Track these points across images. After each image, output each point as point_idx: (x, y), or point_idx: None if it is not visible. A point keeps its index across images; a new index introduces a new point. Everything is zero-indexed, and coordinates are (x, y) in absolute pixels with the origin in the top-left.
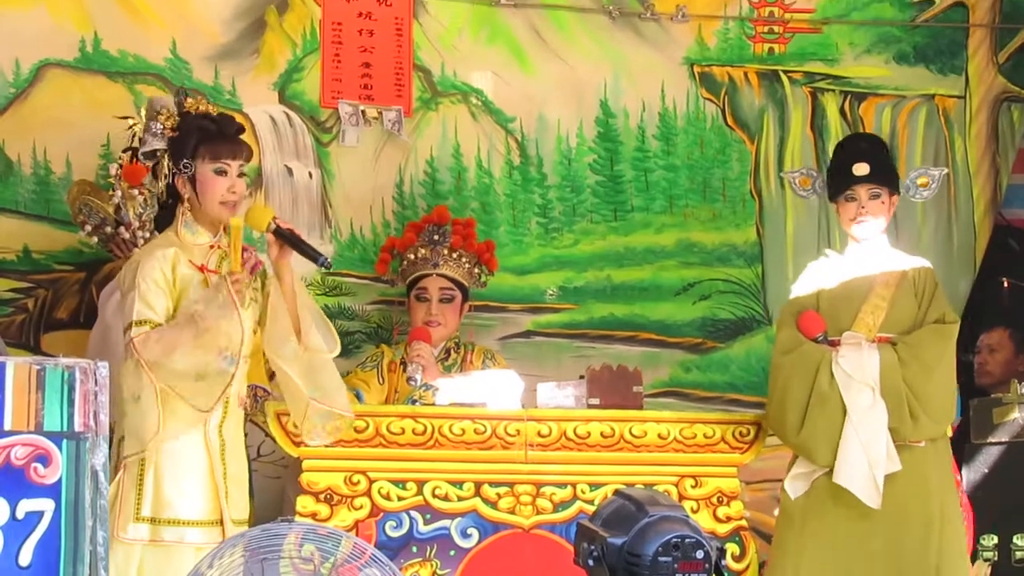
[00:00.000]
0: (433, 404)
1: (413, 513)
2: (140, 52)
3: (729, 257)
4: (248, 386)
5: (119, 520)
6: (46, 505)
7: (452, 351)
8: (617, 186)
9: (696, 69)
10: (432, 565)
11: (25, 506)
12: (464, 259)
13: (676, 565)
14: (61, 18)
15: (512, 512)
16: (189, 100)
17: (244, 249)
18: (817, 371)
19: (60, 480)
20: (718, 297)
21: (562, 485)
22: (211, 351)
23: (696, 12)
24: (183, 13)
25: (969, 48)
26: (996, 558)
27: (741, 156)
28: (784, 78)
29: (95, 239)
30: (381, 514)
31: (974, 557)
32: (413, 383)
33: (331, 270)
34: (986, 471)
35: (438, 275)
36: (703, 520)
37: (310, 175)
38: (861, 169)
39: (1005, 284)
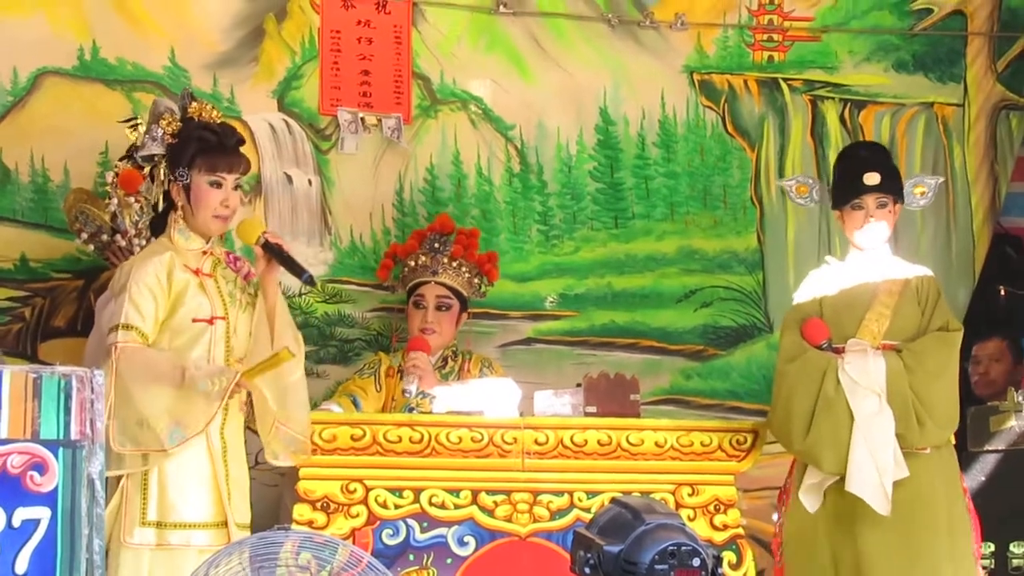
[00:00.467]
0: (430, 412)
1: (410, 521)
2: (139, 60)
3: (730, 264)
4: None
5: (125, 525)
6: (42, 513)
7: (449, 359)
8: (617, 193)
9: (696, 77)
10: (429, 573)
11: (21, 514)
12: (464, 268)
13: (673, 573)
14: (60, 26)
15: (509, 520)
16: (194, 104)
17: (237, 259)
18: (823, 377)
19: (56, 488)
20: (719, 304)
21: (559, 493)
22: (169, 414)
23: (695, 20)
24: (182, 21)
25: (968, 56)
26: (993, 566)
27: (741, 163)
28: (784, 86)
29: (91, 247)
30: (378, 522)
31: None
32: (408, 395)
33: (315, 285)
34: (983, 479)
35: (436, 283)
36: (700, 528)
37: (310, 182)
38: (872, 179)
39: (1002, 292)
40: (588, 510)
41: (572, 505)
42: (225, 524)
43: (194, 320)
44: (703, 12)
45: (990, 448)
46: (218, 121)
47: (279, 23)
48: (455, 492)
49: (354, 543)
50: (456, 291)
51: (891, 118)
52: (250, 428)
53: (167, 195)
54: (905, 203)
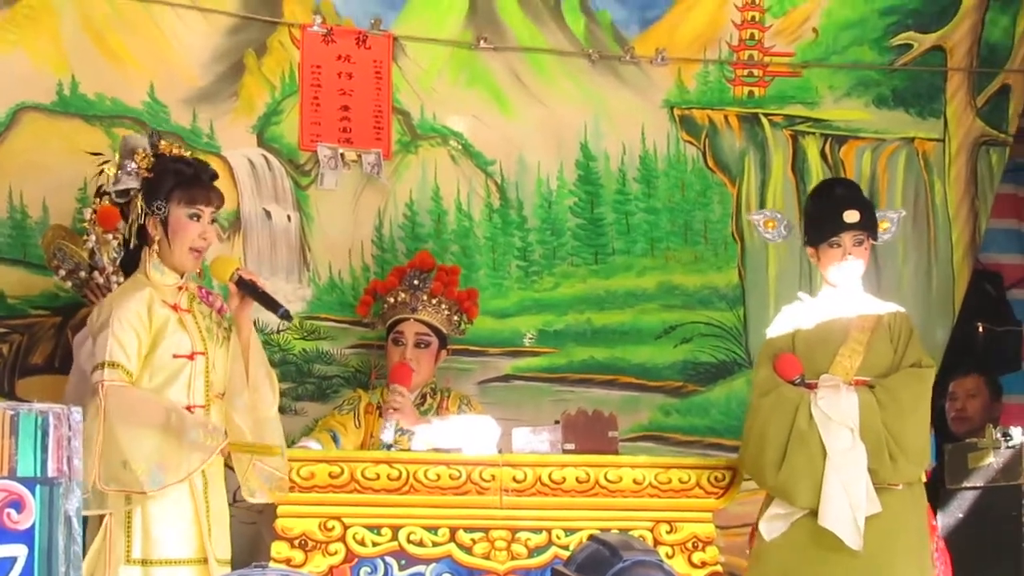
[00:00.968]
0: (409, 449)
1: (388, 559)
2: (118, 95)
3: (711, 300)
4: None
5: (110, 564)
6: (19, 551)
7: (428, 396)
8: (598, 229)
9: (676, 112)
10: None
11: None
12: (444, 306)
13: None
14: (39, 61)
15: (487, 557)
16: (163, 143)
17: (209, 293)
18: (796, 412)
19: (33, 526)
20: (699, 340)
21: (537, 530)
22: (152, 457)
23: (676, 55)
24: (161, 56)
25: (947, 92)
26: None
27: (722, 199)
28: (764, 121)
29: (69, 284)
30: (356, 560)
31: None
32: (382, 444)
33: (291, 320)
34: (961, 516)
35: (416, 320)
36: (678, 565)
37: (289, 218)
38: (852, 216)
39: (980, 329)
40: (566, 547)
41: (550, 542)
42: (206, 561)
43: (175, 356)
44: (684, 47)
45: (968, 485)
46: (190, 156)
47: (259, 58)
48: (433, 530)
49: None
50: (435, 328)
51: (872, 153)
52: (228, 466)
53: (140, 231)
54: None
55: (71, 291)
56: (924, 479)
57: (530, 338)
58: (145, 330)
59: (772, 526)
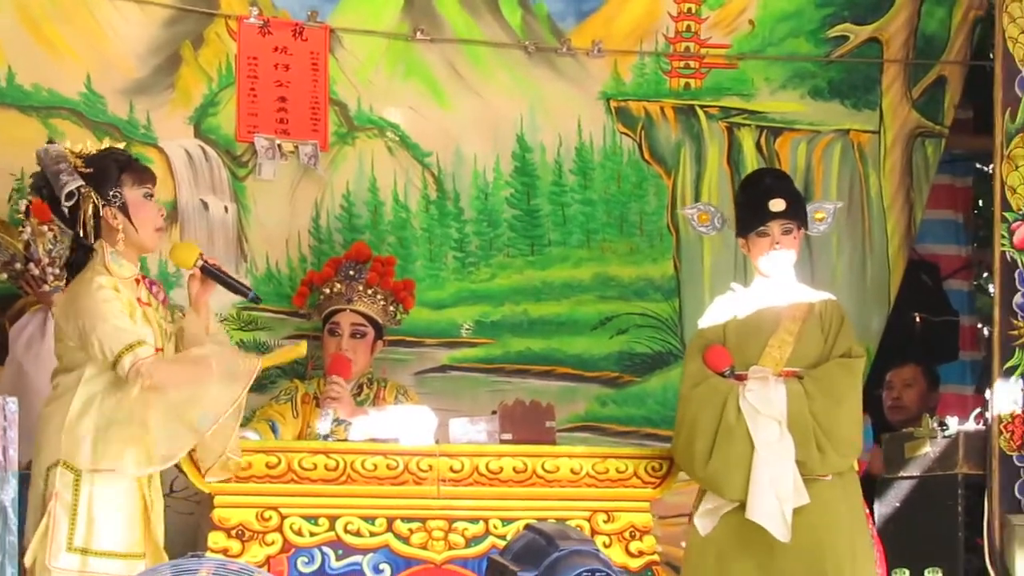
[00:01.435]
0: (346, 440)
1: (325, 549)
2: (54, 87)
3: (646, 291)
4: None
5: (51, 549)
6: None
7: (364, 387)
8: (534, 220)
9: (612, 104)
10: None
11: None
12: (379, 296)
13: None
14: None
15: (424, 547)
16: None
17: (152, 283)
18: (724, 404)
19: None
20: (635, 331)
21: (474, 520)
22: (211, 406)
23: (612, 47)
24: (98, 48)
25: (883, 84)
26: None
27: (658, 190)
28: (700, 113)
29: (4, 275)
30: (293, 550)
31: None
32: (320, 434)
33: (259, 304)
34: (898, 505)
35: (352, 310)
36: (615, 555)
37: (226, 209)
38: (778, 205)
39: (917, 319)
40: (503, 537)
41: (487, 532)
42: (144, 555)
43: None
44: (620, 39)
45: (904, 475)
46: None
47: (196, 50)
48: (370, 520)
49: (269, 571)
50: (371, 319)
51: (807, 145)
52: None
53: (97, 225)
54: (806, 229)
55: (7, 282)
56: (858, 469)
57: (467, 329)
58: (127, 312)
59: (706, 521)
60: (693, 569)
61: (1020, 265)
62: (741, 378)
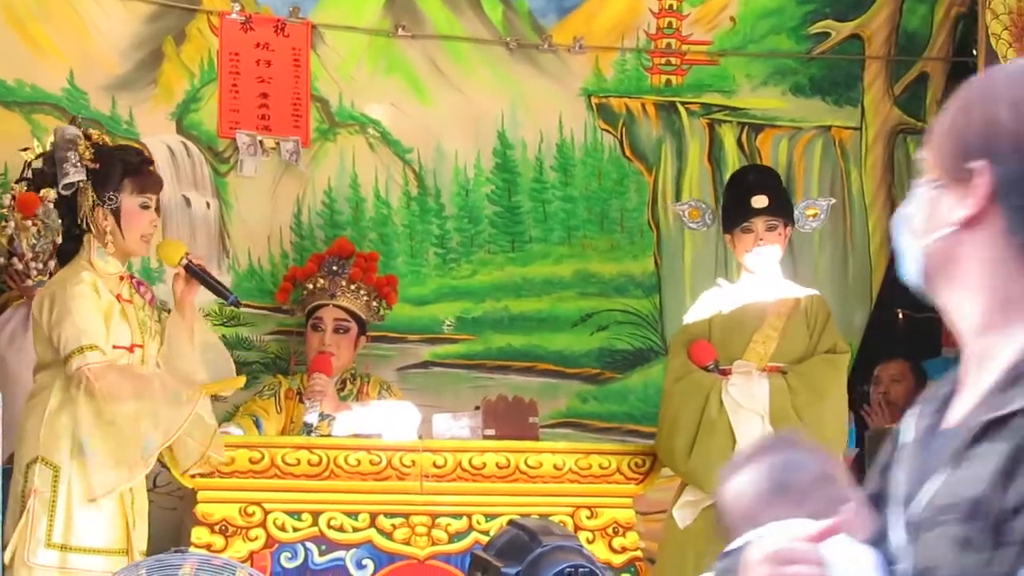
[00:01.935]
0: (330, 435)
1: (308, 544)
2: (37, 82)
3: (627, 288)
4: None
5: (30, 546)
6: None
7: (348, 382)
8: (515, 217)
9: (594, 100)
10: None
11: None
12: (362, 291)
13: None
14: None
15: (407, 543)
16: (93, 131)
17: (140, 283)
18: (707, 399)
19: None
20: (616, 328)
21: (457, 516)
22: (149, 427)
23: (593, 43)
24: (81, 43)
25: (865, 80)
26: None
27: (639, 187)
28: (682, 109)
29: None
30: (276, 545)
31: None
32: (306, 428)
33: (240, 307)
34: None
35: (335, 306)
36: (598, 551)
37: (208, 205)
38: (760, 201)
39: (900, 316)
40: (486, 533)
41: (470, 528)
42: (126, 552)
43: (115, 347)
44: (601, 35)
45: None
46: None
47: (178, 45)
48: (353, 515)
49: (252, 566)
50: (354, 314)
51: (788, 142)
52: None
53: (79, 220)
54: (797, 226)
55: None
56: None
57: (448, 325)
58: (100, 311)
59: (685, 513)
60: (670, 562)
61: None
62: (726, 373)
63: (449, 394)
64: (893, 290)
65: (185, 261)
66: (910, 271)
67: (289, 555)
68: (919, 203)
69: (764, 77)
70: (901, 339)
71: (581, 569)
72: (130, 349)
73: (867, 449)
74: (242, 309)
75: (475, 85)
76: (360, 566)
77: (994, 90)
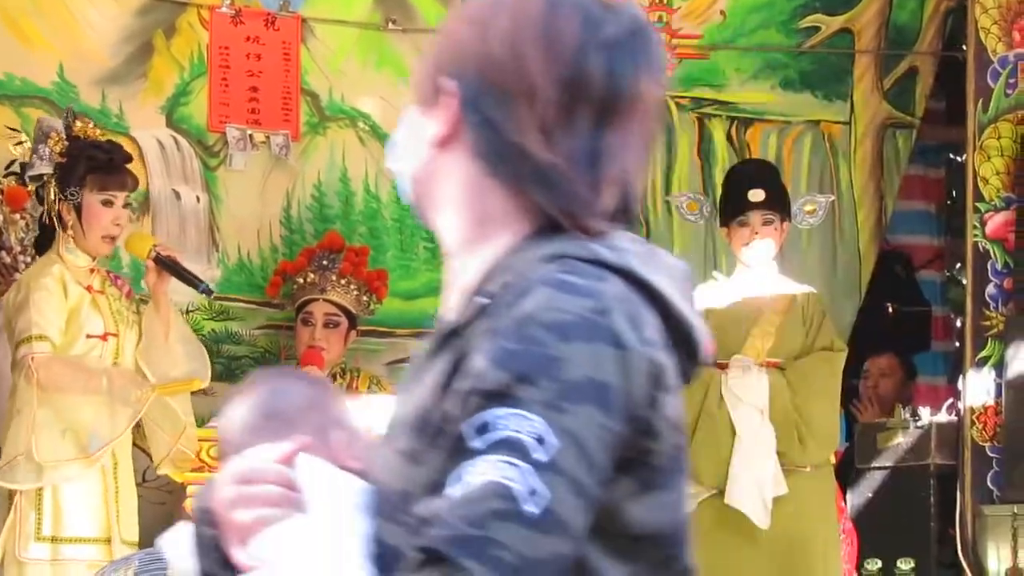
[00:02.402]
0: None
1: None
2: (27, 75)
3: None
4: None
5: (20, 541)
6: None
7: (338, 376)
8: None
9: None
10: None
11: None
12: (353, 286)
13: None
14: None
15: None
16: (78, 124)
17: (116, 277)
18: (706, 392)
19: None
20: None
21: None
22: (92, 422)
23: None
24: (70, 37)
25: (854, 74)
26: None
27: None
28: (671, 103)
29: None
30: None
31: None
32: None
33: (212, 296)
34: (870, 495)
35: (324, 300)
36: None
37: (197, 199)
38: (756, 195)
39: (891, 310)
40: None
41: None
42: (110, 540)
43: (88, 336)
44: None
45: (877, 465)
46: (104, 139)
47: (168, 39)
48: None
49: None
50: (344, 308)
51: (778, 136)
52: (137, 446)
53: (55, 213)
54: (795, 221)
55: None
56: (833, 461)
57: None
58: (63, 305)
59: None
60: None
61: (992, 255)
62: (721, 367)
63: None
64: (882, 284)
65: (154, 253)
66: (404, 196)
67: None
68: (404, 128)
69: (754, 71)
70: (890, 334)
71: None
72: (103, 338)
73: (856, 443)
74: (233, 303)
75: None
76: None
77: (466, 11)
